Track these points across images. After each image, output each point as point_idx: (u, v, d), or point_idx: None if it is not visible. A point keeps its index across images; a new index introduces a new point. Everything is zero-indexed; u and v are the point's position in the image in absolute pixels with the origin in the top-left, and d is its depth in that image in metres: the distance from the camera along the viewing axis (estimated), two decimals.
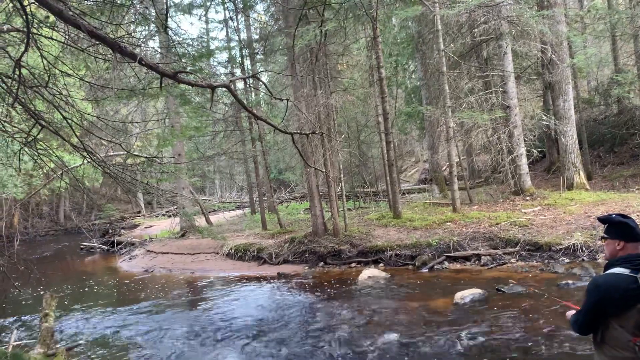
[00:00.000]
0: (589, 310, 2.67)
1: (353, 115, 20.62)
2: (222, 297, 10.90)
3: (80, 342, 8.28)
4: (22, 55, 3.84)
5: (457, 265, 11.24)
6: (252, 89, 19.30)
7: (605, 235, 2.80)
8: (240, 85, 20.23)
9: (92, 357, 7.58)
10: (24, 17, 3.57)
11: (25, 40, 3.89)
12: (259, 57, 19.99)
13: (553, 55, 15.15)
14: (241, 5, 17.82)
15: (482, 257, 11.18)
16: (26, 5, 3.86)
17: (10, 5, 5.09)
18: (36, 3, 3.66)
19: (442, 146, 15.72)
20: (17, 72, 4.05)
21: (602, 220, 2.86)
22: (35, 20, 4.73)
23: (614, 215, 2.80)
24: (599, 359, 2.69)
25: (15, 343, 7.49)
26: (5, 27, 5.43)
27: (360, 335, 7.40)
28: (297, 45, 12.44)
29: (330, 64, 15.13)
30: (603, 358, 2.65)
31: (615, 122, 19.07)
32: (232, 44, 20.23)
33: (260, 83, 16.91)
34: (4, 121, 5.91)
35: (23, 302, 11.93)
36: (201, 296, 11.38)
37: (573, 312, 2.94)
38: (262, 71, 19.05)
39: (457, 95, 15.37)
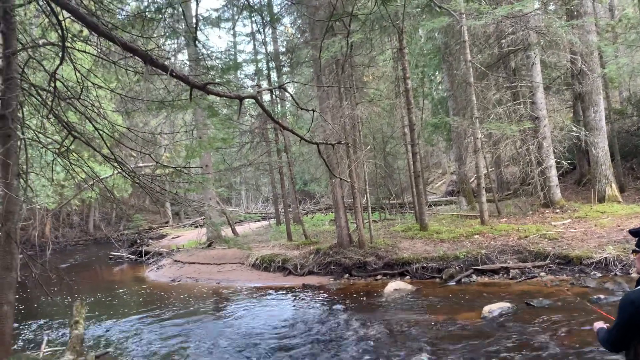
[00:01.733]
0: (622, 326, 2.58)
1: (379, 126, 20.58)
2: (247, 308, 10.93)
3: (109, 349, 8.39)
4: (57, 68, 3.96)
5: (485, 279, 11.04)
6: (279, 100, 19.47)
7: (637, 249, 2.72)
8: (266, 97, 20.43)
9: None
10: (60, 31, 3.68)
11: (60, 54, 4.01)
12: (285, 69, 20.16)
13: (583, 66, 14.88)
14: (268, 19, 18.03)
15: (511, 270, 10.97)
16: (62, 20, 3.98)
17: (47, 20, 5.26)
18: (72, 17, 3.77)
19: (470, 157, 15.56)
20: (52, 85, 4.17)
21: (633, 233, 2.78)
22: (70, 34, 4.87)
23: None
24: None
25: (45, 350, 7.62)
26: (41, 42, 5.61)
27: (386, 349, 7.32)
28: (323, 57, 12.51)
29: (356, 75, 15.16)
30: None
31: None
32: (259, 57, 20.48)
33: (287, 94, 17.05)
34: (39, 132, 6.08)
35: (54, 310, 12.17)
36: (227, 306, 11.43)
37: (600, 325, 2.85)
38: (289, 82, 19.20)
39: (484, 106, 15.21)
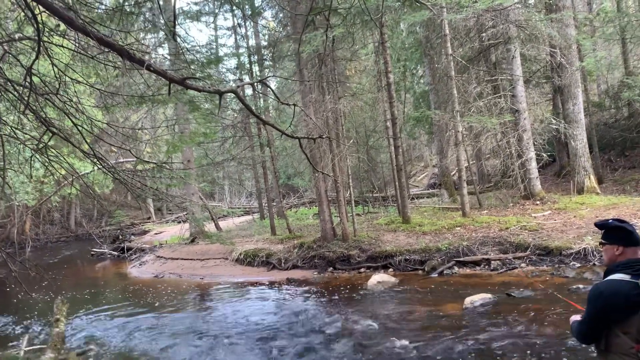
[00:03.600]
0: (592, 318, 2.62)
1: (361, 120, 20.63)
2: (231, 303, 10.93)
3: (91, 347, 8.32)
4: (32, 63, 3.90)
5: (467, 270, 11.18)
6: (261, 95, 19.39)
7: (604, 241, 2.77)
8: (249, 91, 20.34)
9: None
10: (35, 25, 3.63)
11: (36, 48, 3.95)
12: (267, 63, 20.09)
13: (562, 59, 15.08)
14: (249, 12, 17.92)
15: (492, 261, 11.12)
16: (37, 14, 3.92)
17: (22, 14, 5.16)
18: (47, 12, 3.71)
19: (451, 151, 15.67)
20: (28, 80, 4.10)
21: (599, 225, 2.83)
22: (46, 29, 4.79)
23: (611, 221, 2.76)
24: None
25: (27, 348, 7.54)
26: (17, 36, 5.51)
27: (370, 340, 7.38)
28: (304, 51, 12.49)
29: (338, 69, 15.17)
30: None
31: (626, 125, 18.93)
32: (240, 51, 20.37)
33: (269, 89, 16.99)
34: (16, 128, 5.99)
35: (35, 308, 12.02)
36: (210, 301, 11.41)
37: (575, 318, 2.90)
38: (270, 76, 19.13)
39: (465, 100, 15.34)
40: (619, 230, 2.69)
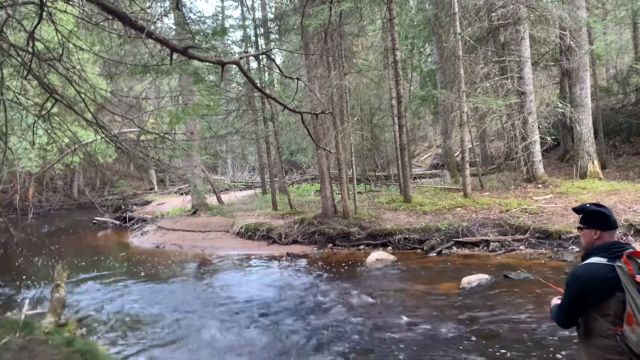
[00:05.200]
0: (570, 301, 2.64)
1: (367, 97, 20.50)
2: (230, 275, 11.05)
3: (91, 313, 8.45)
4: (35, 28, 3.87)
5: (466, 251, 11.24)
6: (266, 68, 19.24)
7: (582, 226, 2.78)
8: (254, 65, 20.16)
9: (102, 327, 7.74)
10: None
11: (39, 13, 3.91)
12: (273, 36, 19.87)
13: (571, 42, 14.88)
14: None
15: (491, 243, 11.17)
16: None
17: None
18: None
19: (456, 131, 15.62)
20: (31, 45, 4.08)
21: (577, 210, 2.84)
22: None
23: (588, 205, 2.77)
24: (586, 350, 2.66)
25: (27, 312, 7.66)
26: (20, 0, 5.46)
27: (366, 316, 7.47)
28: (311, 25, 12.34)
29: (345, 44, 15.00)
30: (589, 349, 2.62)
31: (633, 111, 18.77)
32: (246, 23, 20.14)
33: (273, 63, 16.86)
34: (19, 94, 5.97)
35: (35, 273, 12.18)
36: (210, 273, 11.53)
37: (555, 301, 2.93)
38: (274, 48, 18.94)
39: (472, 80, 15.19)
40: (597, 215, 2.71)
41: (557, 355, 5.56)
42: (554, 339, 5.98)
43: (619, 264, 2.46)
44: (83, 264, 13.25)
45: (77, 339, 5.76)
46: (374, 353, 6.06)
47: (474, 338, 6.26)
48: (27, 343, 5.32)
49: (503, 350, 5.78)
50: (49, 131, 6.21)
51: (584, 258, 2.70)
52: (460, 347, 5.97)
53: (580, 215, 2.80)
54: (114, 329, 7.66)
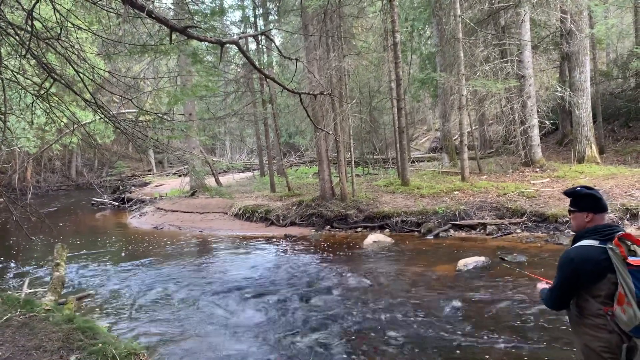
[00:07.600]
0: (563, 284, 2.68)
1: (366, 80, 20.41)
2: (228, 255, 11.11)
3: (90, 292, 8.53)
4: (33, 6, 3.85)
5: (463, 234, 11.32)
6: (265, 49, 19.12)
7: (573, 209, 2.81)
8: (252, 46, 20.04)
9: (101, 306, 7.82)
10: None
11: None
12: (272, 17, 19.71)
13: (572, 25, 14.80)
14: None
15: (488, 226, 11.24)
16: None
17: None
18: None
19: (455, 114, 15.59)
20: (30, 24, 4.06)
21: (568, 194, 2.86)
22: None
23: (579, 188, 2.80)
24: (577, 330, 2.72)
25: (27, 290, 7.73)
26: None
27: (363, 297, 7.55)
28: (310, 6, 12.26)
29: (344, 26, 14.90)
30: (580, 328, 2.68)
31: (632, 96, 18.73)
32: (245, 3, 19.96)
33: (272, 43, 16.74)
34: (17, 73, 5.96)
35: (35, 252, 12.25)
36: (208, 254, 11.60)
37: (542, 285, 2.97)
38: (273, 29, 18.80)
39: (472, 63, 15.14)
40: (588, 198, 2.74)
41: (552, 335, 5.64)
42: (549, 319, 6.07)
43: (610, 246, 2.50)
44: (82, 243, 13.31)
45: (77, 316, 5.83)
46: (370, 333, 6.14)
47: (469, 319, 6.35)
48: (28, 320, 5.39)
49: (498, 331, 5.87)
50: (48, 111, 6.20)
51: (575, 240, 2.73)
52: (456, 328, 6.06)
53: (571, 199, 2.83)
54: (113, 307, 7.74)
